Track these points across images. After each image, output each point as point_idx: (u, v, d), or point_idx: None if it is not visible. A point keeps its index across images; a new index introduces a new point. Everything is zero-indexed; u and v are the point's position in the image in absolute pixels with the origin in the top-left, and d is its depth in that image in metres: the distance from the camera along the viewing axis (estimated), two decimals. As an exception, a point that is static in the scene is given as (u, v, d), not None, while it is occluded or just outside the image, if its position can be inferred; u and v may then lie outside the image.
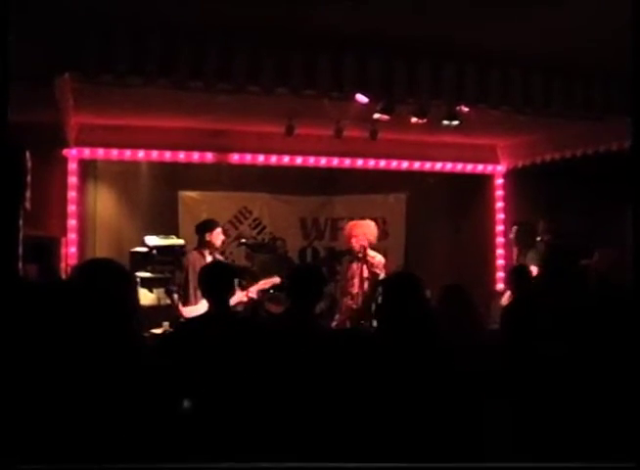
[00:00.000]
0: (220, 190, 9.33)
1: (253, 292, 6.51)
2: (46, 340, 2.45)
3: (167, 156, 8.49)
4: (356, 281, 6.71)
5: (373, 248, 6.83)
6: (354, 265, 6.78)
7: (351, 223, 7.09)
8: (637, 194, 3.03)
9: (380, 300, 3.41)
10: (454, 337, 4.05)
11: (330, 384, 3.19)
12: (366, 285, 6.61)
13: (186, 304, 6.43)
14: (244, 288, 6.53)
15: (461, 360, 3.29)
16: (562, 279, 6.96)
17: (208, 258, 6.53)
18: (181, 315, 6.43)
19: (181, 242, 7.74)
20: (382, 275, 6.54)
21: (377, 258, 6.77)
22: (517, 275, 6.10)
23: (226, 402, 3.71)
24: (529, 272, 6.43)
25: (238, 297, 6.40)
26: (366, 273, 6.64)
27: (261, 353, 3.76)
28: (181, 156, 8.52)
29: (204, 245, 6.64)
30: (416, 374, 3.05)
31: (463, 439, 2.92)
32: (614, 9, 4.23)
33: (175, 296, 6.60)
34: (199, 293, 6.33)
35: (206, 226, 6.72)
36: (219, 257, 6.77)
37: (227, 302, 4.39)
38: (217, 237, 6.67)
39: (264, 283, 6.48)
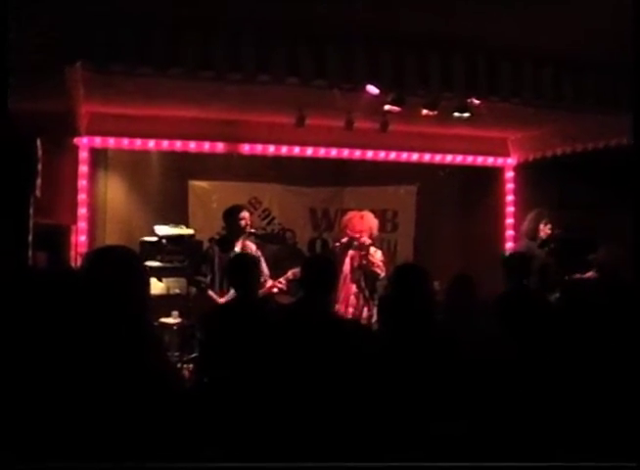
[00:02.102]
0: (230, 180, 9.31)
1: (283, 283, 6.50)
2: (54, 329, 2.45)
3: (178, 145, 8.50)
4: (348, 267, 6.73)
5: (375, 239, 6.87)
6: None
7: (351, 215, 7.04)
8: (637, 191, 3.02)
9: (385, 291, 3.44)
10: (461, 327, 4.07)
11: (343, 376, 3.21)
12: (357, 276, 6.69)
13: (221, 295, 6.44)
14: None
15: (466, 350, 3.29)
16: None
17: (237, 248, 6.58)
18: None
19: (191, 231, 7.77)
20: (382, 274, 6.55)
21: (377, 255, 6.75)
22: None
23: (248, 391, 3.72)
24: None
25: (268, 287, 6.44)
26: (356, 263, 6.66)
27: (286, 343, 3.75)
28: (192, 145, 8.53)
29: (232, 230, 6.68)
30: (419, 365, 3.06)
31: (466, 431, 2.92)
32: (625, 2, 4.22)
33: (206, 287, 6.58)
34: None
35: (233, 211, 6.77)
36: (250, 244, 6.79)
37: (254, 292, 4.43)
38: (242, 220, 6.69)
39: (293, 273, 6.44)
